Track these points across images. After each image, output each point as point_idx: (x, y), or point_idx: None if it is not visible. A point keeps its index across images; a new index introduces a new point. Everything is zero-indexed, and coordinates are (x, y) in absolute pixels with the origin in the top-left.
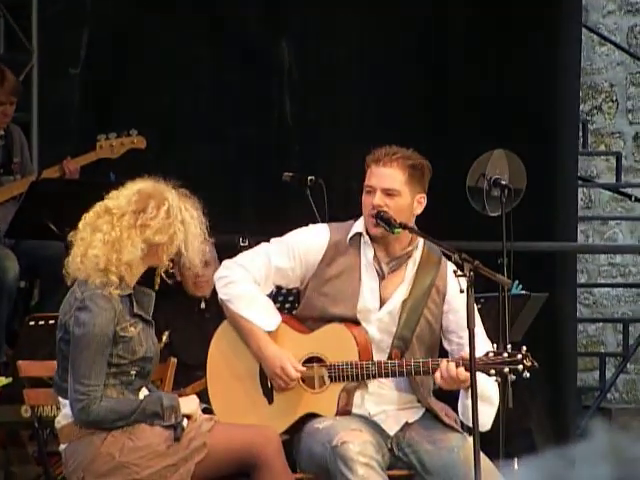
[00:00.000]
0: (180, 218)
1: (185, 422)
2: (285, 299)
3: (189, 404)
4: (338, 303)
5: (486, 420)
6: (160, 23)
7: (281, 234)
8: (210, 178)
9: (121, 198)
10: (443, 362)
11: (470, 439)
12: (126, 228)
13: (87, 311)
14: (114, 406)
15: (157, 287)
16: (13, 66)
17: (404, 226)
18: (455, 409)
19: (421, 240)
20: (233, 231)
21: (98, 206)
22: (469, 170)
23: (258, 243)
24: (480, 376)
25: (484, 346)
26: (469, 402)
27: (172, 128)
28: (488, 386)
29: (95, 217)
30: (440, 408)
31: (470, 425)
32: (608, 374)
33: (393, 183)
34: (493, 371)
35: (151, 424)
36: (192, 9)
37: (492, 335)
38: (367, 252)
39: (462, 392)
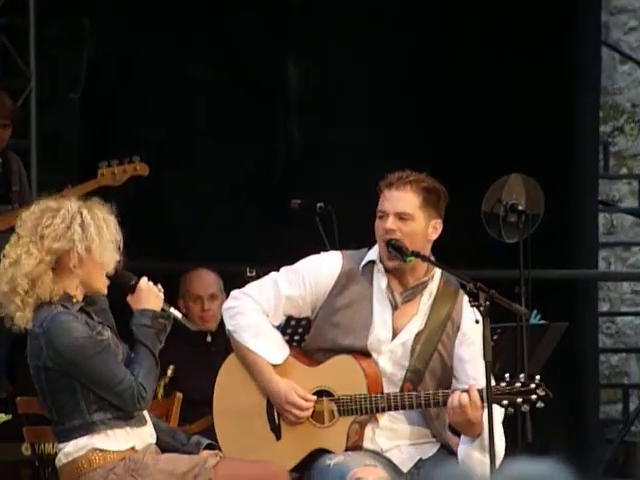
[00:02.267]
0: (79, 221)
1: (173, 310)
2: (294, 331)
3: (149, 299)
4: (348, 334)
5: (488, 472)
6: (162, 44)
7: (288, 264)
8: (214, 205)
9: (25, 220)
10: (455, 392)
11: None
12: (26, 244)
13: (59, 334)
14: (143, 370)
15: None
16: (10, 91)
17: (417, 254)
18: None
19: (438, 271)
20: (239, 261)
21: (12, 237)
22: (485, 195)
23: (266, 273)
24: (487, 427)
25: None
26: (474, 453)
27: (175, 153)
28: (495, 438)
29: (8, 247)
30: (456, 443)
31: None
32: (632, 406)
33: (406, 207)
34: (505, 402)
35: (155, 363)
36: (194, 30)
37: (509, 367)
38: (380, 281)
39: (463, 438)
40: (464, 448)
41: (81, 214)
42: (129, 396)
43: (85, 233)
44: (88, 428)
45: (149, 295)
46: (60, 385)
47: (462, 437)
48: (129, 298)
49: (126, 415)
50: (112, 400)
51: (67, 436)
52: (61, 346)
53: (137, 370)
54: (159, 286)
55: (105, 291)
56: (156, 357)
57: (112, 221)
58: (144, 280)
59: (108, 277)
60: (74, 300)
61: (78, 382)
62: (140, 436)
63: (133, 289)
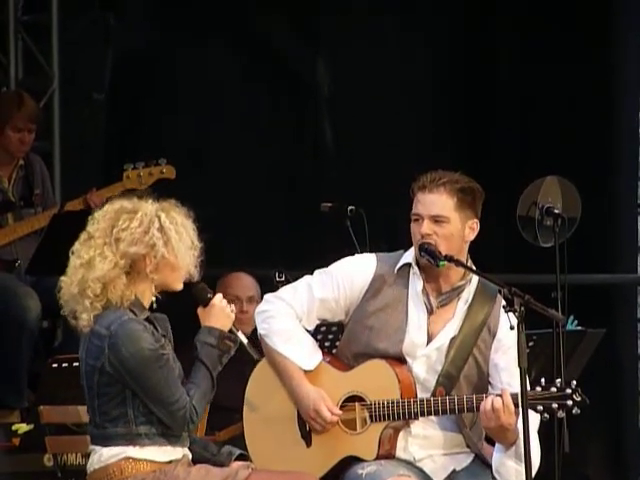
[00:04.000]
0: (157, 225)
1: (240, 334)
2: (325, 337)
3: (219, 317)
4: (383, 337)
5: None
6: (188, 43)
7: (319, 268)
8: (241, 208)
9: (98, 220)
10: (489, 397)
11: None
12: (100, 246)
13: (126, 342)
14: (199, 392)
15: (154, 306)
16: (33, 91)
17: (450, 259)
18: None
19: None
20: (268, 266)
21: (82, 234)
22: (519, 198)
23: (295, 278)
24: (521, 435)
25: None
26: (508, 462)
27: (202, 154)
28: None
29: (79, 246)
30: (491, 454)
31: None
32: None
33: (441, 209)
34: (540, 407)
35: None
36: (221, 28)
37: (545, 375)
38: (416, 284)
39: (498, 446)
40: (498, 457)
41: (159, 218)
42: (180, 417)
43: (165, 238)
44: (131, 439)
45: (220, 313)
46: (112, 391)
47: (496, 445)
48: (200, 311)
49: (171, 433)
50: (163, 417)
51: (105, 441)
52: (126, 353)
53: (193, 391)
54: (232, 307)
55: (180, 287)
56: (214, 380)
57: (190, 225)
58: (219, 297)
59: (186, 285)
60: (145, 305)
61: (131, 391)
62: (178, 454)
63: (207, 303)
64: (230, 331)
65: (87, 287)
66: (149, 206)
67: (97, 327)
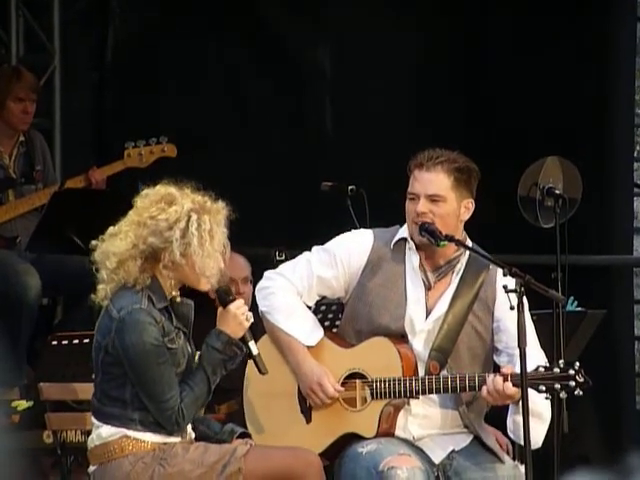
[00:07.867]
0: (183, 225)
1: (252, 344)
2: (324, 316)
3: (230, 323)
4: (384, 313)
5: (537, 437)
6: (190, 24)
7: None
8: (241, 188)
9: (145, 196)
10: (490, 376)
11: (521, 468)
12: (130, 223)
13: (131, 330)
14: (191, 396)
15: (177, 299)
16: (34, 69)
17: (450, 238)
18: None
19: (469, 244)
20: (269, 245)
21: (137, 200)
22: (520, 179)
23: (295, 257)
24: (530, 391)
25: (537, 358)
26: (519, 418)
27: (202, 135)
28: (538, 401)
29: (131, 211)
30: (491, 433)
31: (520, 442)
32: None
33: (438, 189)
34: (543, 387)
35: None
36: (224, 10)
37: (545, 355)
38: (412, 259)
39: (512, 407)
40: (511, 418)
41: (188, 219)
42: (167, 417)
43: (184, 239)
44: (125, 422)
45: (233, 320)
46: (114, 371)
47: (510, 407)
48: (219, 312)
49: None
50: (152, 411)
51: (102, 419)
52: (128, 342)
53: (186, 393)
54: (249, 315)
55: (205, 288)
56: (211, 387)
57: (219, 233)
58: (237, 303)
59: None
60: (166, 293)
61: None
62: (176, 440)
63: (225, 306)
64: (242, 339)
65: (106, 258)
66: (187, 203)
67: (111, 306)
